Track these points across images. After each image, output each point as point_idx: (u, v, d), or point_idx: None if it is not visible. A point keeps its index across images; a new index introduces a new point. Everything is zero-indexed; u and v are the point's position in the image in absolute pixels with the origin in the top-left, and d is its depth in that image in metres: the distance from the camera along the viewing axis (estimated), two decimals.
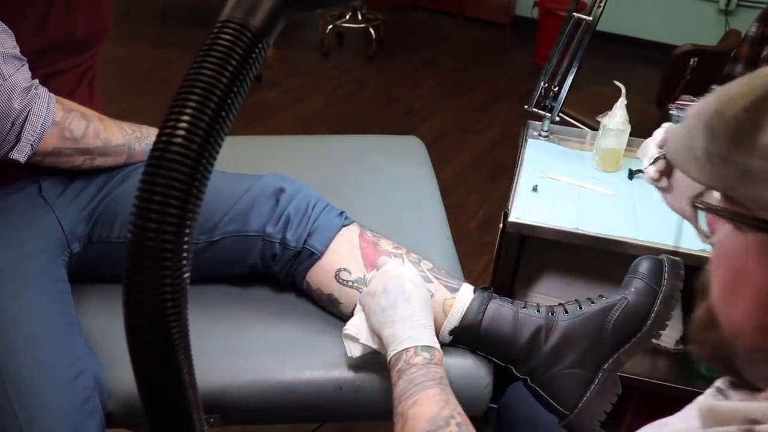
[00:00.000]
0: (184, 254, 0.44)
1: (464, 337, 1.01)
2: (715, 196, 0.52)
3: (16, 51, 0.94)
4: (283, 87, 3.91)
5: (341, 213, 1.10)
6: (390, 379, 0.88)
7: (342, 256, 1.05)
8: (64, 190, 1.08)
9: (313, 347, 1.03)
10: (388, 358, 0.89)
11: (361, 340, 0.96)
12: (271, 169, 1.17)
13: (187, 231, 0.44)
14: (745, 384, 0.57)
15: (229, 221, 1.07)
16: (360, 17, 4.56)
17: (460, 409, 0.81)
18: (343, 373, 0.99)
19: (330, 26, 4.48)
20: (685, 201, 0.96)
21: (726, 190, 0.51)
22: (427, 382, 0.83)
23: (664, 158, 0.96)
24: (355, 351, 0.97)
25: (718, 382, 0.61)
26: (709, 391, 0.62)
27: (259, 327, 1.07)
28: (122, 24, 4.77)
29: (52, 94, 0.98)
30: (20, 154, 0.95)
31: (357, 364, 0.99)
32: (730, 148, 0.49)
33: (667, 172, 0.99)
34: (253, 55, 0.46)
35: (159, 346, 0.45)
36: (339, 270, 1.04)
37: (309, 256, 1.05)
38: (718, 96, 0.52)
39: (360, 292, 1.02)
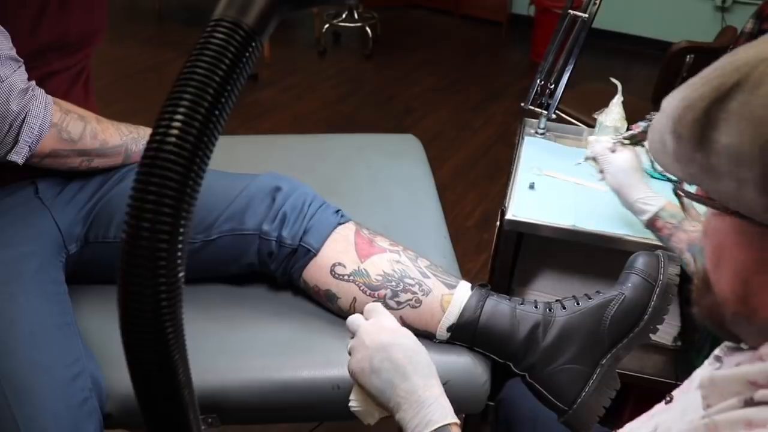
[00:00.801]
0: (179, 254, 0.44)
1: (462, 333, 1.01)
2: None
3: (13, 52, 0.94)
4: (280, 86, 3.91)
5: (337, 211, 1.10)
6: None
7: (338, 253, 1.05)
8: (61, 191, 1.08)
9: (310, 346, 1.03)
10: None
11: (375, 413, 0.87)
12: (267, 168, 1.17)
13: (182, 230, 0.44)
14: (740, 346, 0.62)
15: (226, 220, 1.07)
16: (356, 16, 4.56)
17: None
18: (341, 372, 0.99)
19: (326, 25, 4.48)
20: (621, 176, 1.18)
21: (696, 184, 0.56)
22: None
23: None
24: (371, 419, 0.88)
25: (717, 351, 0.65)
26: (707, 362, 0.66)
27: (256, 326, 1.07)
28: (119, 24, 4.76)
29: (49, 96, 0.97)
30: (18, 156, 0.95)
31: None
32: (694, 149, 0.53)
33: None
34: (247, 54, 0.46)
35: (154, 346, 0.45)
36: (334, 265, 1.04)
37: (305, 254, 1.05)
38: (682, 97, 0.55)
39: (357, 286, 1.02)
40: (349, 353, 0.87)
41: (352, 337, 0.88)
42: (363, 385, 0.84)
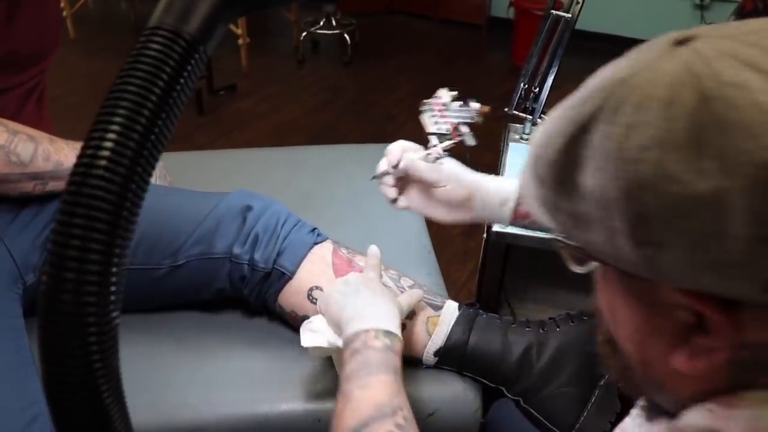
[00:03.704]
0: (112, 303, 0.37)
1: (450, 357, 0.95)
2: None
3: None
4: (258, 96, 3.83)
5: (313, 230, 1.04)
6: None
7: (314, 274, 0.98)
8: (15, 218, 1.00)
9: (288, 377, 0.96)
10: (345, 336, 0.80)
11: (320, 332, 0.86)
12: (241, 184, 1.10)
13: (113, 273, 0.36)
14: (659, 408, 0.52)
15: (194, 243, 1.00)
16: (334, 23, 4.50)
17: (408, 406, 0.74)
18: (321, 405, 0.92)
19: (304, 33, 4.41)
20: (455, 213, 0.91)
21: (566, 235, 0.47)
22: (383, 367, 0.75)
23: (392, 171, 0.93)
24: (310, 341, 0.86)
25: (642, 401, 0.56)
26: (634, 411, 0.56)
27: (230, 356, 1.00)
28: (93, 38, 4.66)
29: None
30: None
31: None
32: (558, 194, 0.45)
33: (401, 185, 0.95)
34: (189, 67, 0.40)
35: (90, 416, 0.38)
36: (311, 289, 0.98)
37: (279, 277, 0.98)
38: (541, 133, 0.46)
39: None
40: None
41: None
42: (327, 296, 0.86)
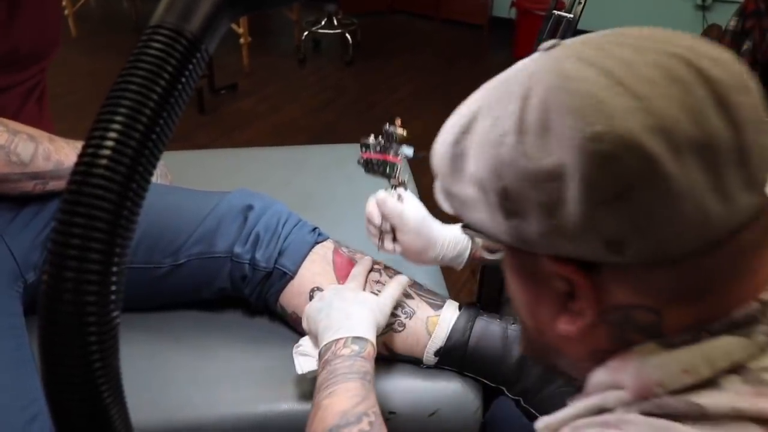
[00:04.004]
0: (112, 303, 0.37)
1: (450, 357, 0.95)
2: None
3: None
4: (259, 96, 3.83)
5: (314, 229, 1.03)
6: None
7: (315, 274, 0.98)
8: (15, 217, 1.00)
9: (288, 376, 0.95)
10: (319, 349, 0.84)
11: (312, 354, 0.89)
12: (243, 183, 1.10)
13: (114, 273, 0.36)
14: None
15: (195, 242, 0.99)
16: (336, 23, 4.49)
17: (377, 409, 0.76)
18: None
19: (306, 33, 4.41)
20: (424, 230, 0.95)
21: (460, 217, 0.54)
22: (349, 374, 0.78)
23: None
24: (305, 367, 0.89)
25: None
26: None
27: (230, 356, 0.99)
28: (94, 36, 4.66)
29: None
30: None
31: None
32: (450, 182, 0.53)
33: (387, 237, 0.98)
34: (190, 66, 0.39)
35: (90, 416, 0.38)
36: (312, 290, 0.98)
37: (281, 277, 0.98)
38: (440, 134, 0.55)
39: None
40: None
41: None
42: (306, 313, 0.89)
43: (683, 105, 0.42)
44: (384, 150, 0.96)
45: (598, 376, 0.50)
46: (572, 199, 0.43)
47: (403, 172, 0.97)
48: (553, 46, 0.49)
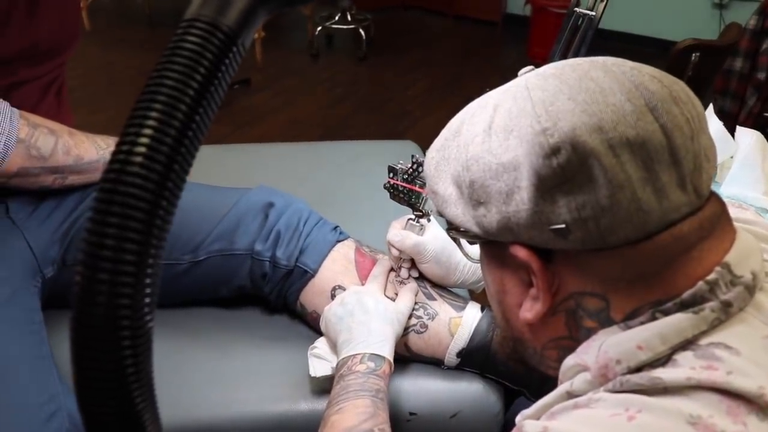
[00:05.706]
0: (146, 306, 0.36)
1: (473, 359, 0.93)
2: None
3: None
4: (273, 90, 3.82)
5: (335, 228, 1.02)
6: None
7: (336, 273, 0.97)
8: (34, 211, 0.99)
9: (307, 376, 0.94)
10: (337, 362, 0.85)
11: (327, 358, 0.90)
12: (260, 179, 1.09)
13: (149, 273, 0.35)
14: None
15: (215, 239, 0.98)
16: (349, 18, 4.48)
17: (385, 426, 0.76)
18: None
19: (319, 28, 4.39)
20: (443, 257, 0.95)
21: (441, 213, 0.60)
22: (361, 392, 0.79)
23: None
24: (319, 370, 0.90)
25: None
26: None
27: (250, 354, 0.98)
28: (108, 29, 4.67)
29: (15, 109, 0.89)
30: None
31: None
32: (436, 182, 0.60)
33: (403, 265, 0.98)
34: (227, 60, 0.38)
35: (122, 422, 0.37)
36: (334, 288, 0.96)
37: (301, 275, 0.97)
38: (433, 144, 0.62)
39: None
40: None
41: None
42: (325, 317, 0.91)
43: (621, 110, 0.49)
44: (411, 179, 0.95)
45: (568, 362, 0.54)
46: (524, 188, 0.50)
47: (428, 204, 0.96)
48: (529, 71, 0.57)
